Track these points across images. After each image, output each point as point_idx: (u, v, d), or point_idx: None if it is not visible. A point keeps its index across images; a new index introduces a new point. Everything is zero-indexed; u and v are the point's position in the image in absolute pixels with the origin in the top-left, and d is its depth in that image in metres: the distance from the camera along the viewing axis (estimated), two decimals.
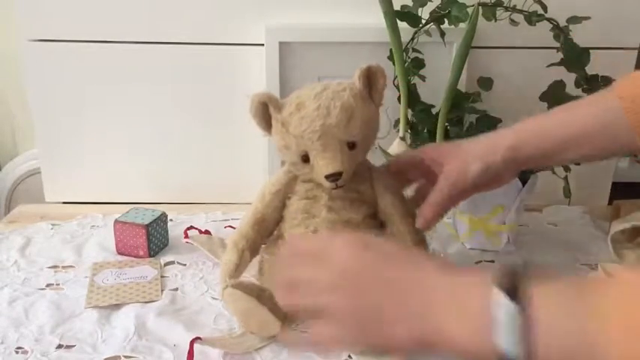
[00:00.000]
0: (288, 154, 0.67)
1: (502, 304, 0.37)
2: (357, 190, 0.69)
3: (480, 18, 0.84)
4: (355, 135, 0.65)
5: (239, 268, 0.70)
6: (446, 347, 0.41)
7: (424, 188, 0.72)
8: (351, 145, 0.65)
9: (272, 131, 0.68)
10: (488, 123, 0.87)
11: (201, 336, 0.64)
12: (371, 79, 0.66)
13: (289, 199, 0.70)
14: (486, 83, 0.91)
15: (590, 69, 0.84)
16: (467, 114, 0.90)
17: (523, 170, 0.83)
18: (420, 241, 0.71)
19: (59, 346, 0.64)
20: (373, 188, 0.70)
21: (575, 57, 0.83)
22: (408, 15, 0.89)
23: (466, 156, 0.66)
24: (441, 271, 0.44)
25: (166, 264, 0.82)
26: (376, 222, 0.71)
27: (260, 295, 0.64)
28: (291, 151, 0.66)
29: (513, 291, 0.37)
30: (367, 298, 0.44)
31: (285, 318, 0.66)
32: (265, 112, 0.67)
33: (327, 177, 0.64)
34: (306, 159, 0.66)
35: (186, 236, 0.88)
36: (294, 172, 0.70)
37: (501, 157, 0.64)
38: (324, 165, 0.64)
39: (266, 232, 0.72)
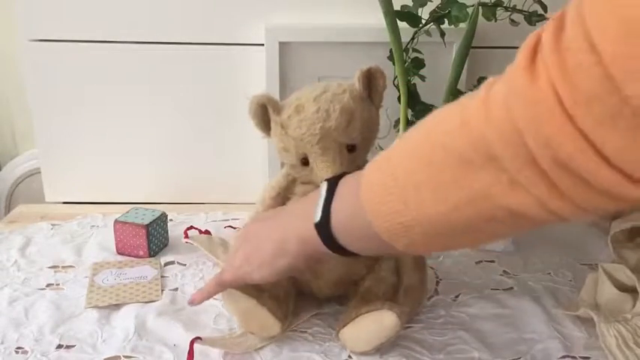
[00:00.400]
0: (287, 157, 0.67)
1: (322, 188, 0.52)
2: None
3: (480, 18, 0.84)
4: (355, 138, 0.65)
5: None
6: (303, 248, 0.55)
7: None
8: (351, 148, 0.65)
9: (271, 133, 0.68)
10: None
11: (201, 336, 0.64)
12: (371, 80, 0.66)
13: (288, 199, 0.70)
14: None
15: None
16: None
17: None
18: None
19: (59, 346, 0.65)
20: None
21: None
22: (408, 15, 0.88)
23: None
24: (297, 201, 0.60)
25: (166, 264, 0.82)
26: None
27: (260, 295, 0.64)
28: (290, 154, 0.66)
29: (335, 183, 0.52)
30: (252, 241, 0.60)
31: (285, 318, 0.66)
32: (264, 114, 0.67)
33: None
34: (305, 162, 0.66)
35: (186, 236, 0.88)
36: (294, 175, 0.70)
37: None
38: (323, 168, 0.64)
39: None
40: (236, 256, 0.60)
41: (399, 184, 0.44)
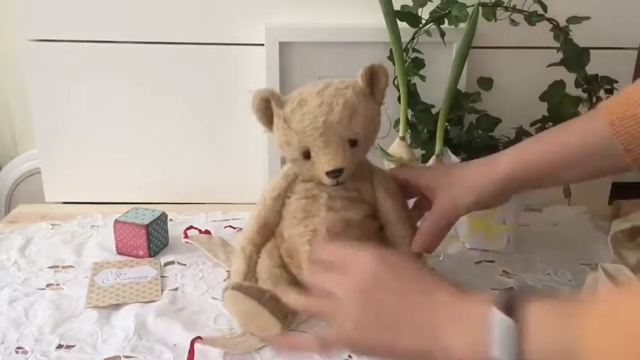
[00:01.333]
0: (289, 151, 0.67)
1: (499, 320, 0.41)
2: (357, 189, 0.69)
3: (480, 18, 0.83)
4: (357, 132, 0.65)
5: (247, 276, 0.71)
6: (446, 358, 0.45)
7: (421, 202, 0.73)
8: (353, 143, 0.65)
9: (273, 127, 0.68)
10: (488, 123, 0.87)
11: (201, 336, 0.64)
12: (373, 77, 0.67)
13: (288, 198, 0.71)
14: (486, 83, 0.91)
15: (590, 69, 0.84)
16: (467, 114, 0.90)
17: None
18: None
19: (59, 346, 0.65)
20: (373, 189, 0.70)
21: (575, 57, 0.83)
22: (408, 15, 0.89)
23: (458, 188, 0.67)
24: (447, 291, 0.48)
25: (166, 264, 0.82)
26: (376, 223, 0.71)
27: (261, 296, 0.64)
28: (292, 148, 0.66)
29: (509, 309, 0.41)
30: (378, 307, 0.48)
31: (286, 319, 0.66)
32: (267, 109, 0.67)
33: (328, 173, 0.64)
34: (307, 155, 0.66)
35: (186, 236, 0.88)
36: (294, 170, 0.70)
37: (494, 188, 0.65)
38: (325, 161, 0.64)
39: (270, 234, 0.73)
40: (349, 317, 0.49)
41: None
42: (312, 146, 0.65)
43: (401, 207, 0.71)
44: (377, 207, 0.71)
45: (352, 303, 0.49)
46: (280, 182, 0.71)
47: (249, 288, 0.64)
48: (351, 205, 0.69)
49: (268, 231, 0.73)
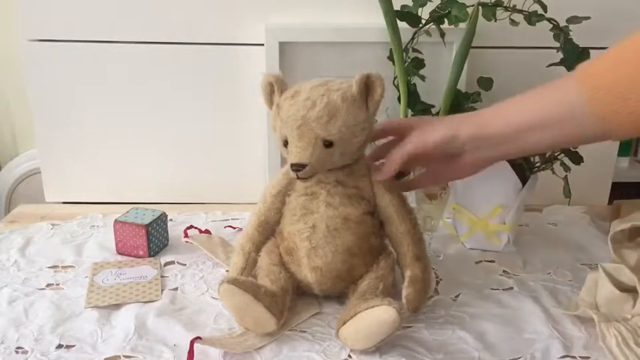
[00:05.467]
0: (275, 136, 0.70)
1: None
2: (356, 186, 0.70)
3: (480, 18, 0.83)
4: (333, 135, 0.65)
5: (245, 271, 0.72)
6: None
7: (389, 145, 0.73)
8: (328, 144, 0.66)
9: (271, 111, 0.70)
10: None
11: (201, 335, 0.64)
12: (369, 87, 0.66)
13: (289, 196, 0.71)
14: (486, 83, 0.91)
15: None
16: None
17: (522, 170, 0.84)
18: (418, 241, 0.71)
19: (59, 346, 0.64)
20: (372, 185, 0.71)
21: (575, 57, 0.83)
22: (408, 15, 0.89)
23: (433, 124, 0.68)
24: None
25: (166, 264, 0.82)
26: (375, 220, 0.71)
27: (256, 291, 0.64)
28: (276, 134, 0.69)
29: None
30: None
31: (281, 314, 0.66)
32: (272, 92, 0.70)
33: (292, 165, 0.65)
34: (286, 144, 0.67)
35: (186, 236, 0.88)
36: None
37: (464, 132, 0.65)
38: (293, 153, 0.66)
39: (270, 232, 0.74)
40: None
41: None
42: (288, 136, 0.66)
43: (399, 202, 0.71)
44: (376, 203, 0.71)
45: None
46: (281, 180, 0.72)
47: (244, 282, 0.65)
48: (349, 202, 0.69)
49: (268, 229, 0.73)
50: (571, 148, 0.84)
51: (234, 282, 0.64)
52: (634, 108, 0.53)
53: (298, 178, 0.66)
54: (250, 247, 0.73)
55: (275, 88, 0.69)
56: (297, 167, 0.65)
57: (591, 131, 0.59)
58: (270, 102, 0.70)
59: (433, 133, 0.66)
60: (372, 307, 0.62)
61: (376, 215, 0.71)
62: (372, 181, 0.71)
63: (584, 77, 0.59)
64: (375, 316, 0.62)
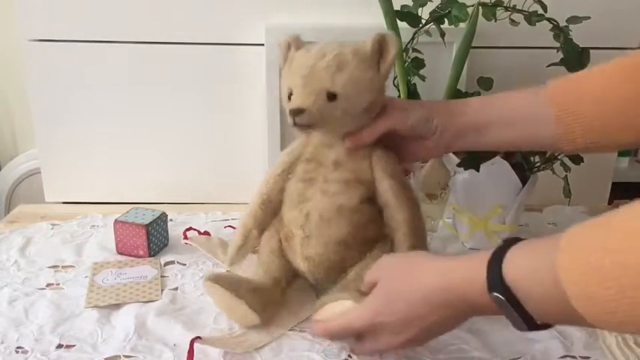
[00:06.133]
0: (281, 91, 0.69)
1: (498, 300, 0.47)
2: (354, 169, 0.68)
3: (480, 18, 0.83)
4: (337, 88, 0.64)
5: (242, 250, 0.72)
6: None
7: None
8: (331, 96, 0.64)
9: None
10: None
11: (201, 335, 0.64)
12: (382, 47, 0.66)
13: (289, 180, 0.71)
14: (486, 83, 0.91)
15: None
16: None
17: (522, 170, 0.84)
18: (416, 230, 0.69)
19: (59, 346, 0.64)
20: (372, 170, 0.69)
21: (575, 57, 0.83)
22: (408, 15, 0.88)
23: (412, 105, 0.71)
24: (445, 286, 0.52)
25: (166, 264, 0.82)
26: (373, 207, 0.69)
27: (237, 288, 0.65)
28: (283, 87, 0.68)
29: (499, 278, 0.47)
30: (414, 338, 0.56)
31: (264, 311, 0.66)
32: (289, 49, 0.69)
33: (290, 111, 0.64)
34: (290, 97, 0.66)
35: (186, 238, 0.88)
36: (300, 150, 0.71)
37: (441, 117, 0.68)
38: (294, 98, 0.65)
39: (274, 211, 0.73)
40: (398, 339, 0.57)
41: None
42: (293, 86, 0.65)
43: (399, 188, 0.68)
44: (375, 188, 0.69)
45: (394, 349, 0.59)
46: (284, 159, 0.72)
47: (225, 279, 0.65)
48: (346, 189, 0.67)
49: (271, 207, 0.72)
50: None
51: (215, 280, 0.65)
52: None
53: (295, 124, 0.64)
54: (252, 224, 0.72)
55: (292, 46, 0.68)
56: (295, 111, 0.63)
57: (548, 140, 0.64)
58: (285, 59, 0.69)
59: (413, 112, 0.68)
60: (338, 299, 0.62)
61: (375, 202, 0.69)
62: (372, 165, 0.69)
63: (555, 92, 0.64)
64: (334, 308, 0.62)
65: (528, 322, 0.47)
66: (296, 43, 0.68)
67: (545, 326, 0.48)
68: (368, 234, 0.69)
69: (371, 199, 0.69)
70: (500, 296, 0.47)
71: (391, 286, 0.57)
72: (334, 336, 0.62)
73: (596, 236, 0.42)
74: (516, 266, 0.47)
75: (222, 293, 0.65)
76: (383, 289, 0.58)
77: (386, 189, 0.68)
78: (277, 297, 0.70)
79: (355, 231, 0.68)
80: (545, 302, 0.45)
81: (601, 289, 0.39)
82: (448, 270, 0.53)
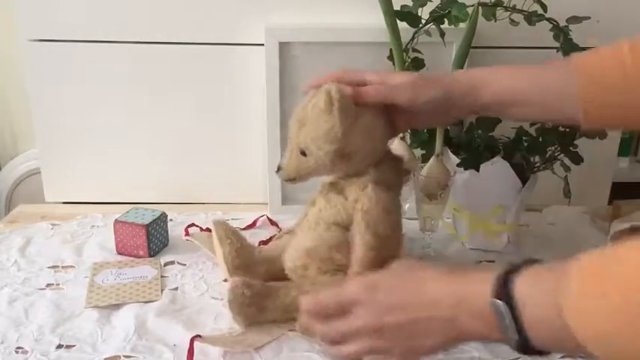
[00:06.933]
0: None
1: (496, 306, 0.47)
2: (345, 196, 0.69)
3: (480, 18, 0.84)
4: (302, 143, 0.66)
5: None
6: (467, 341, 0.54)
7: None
8: (302, 152, 0.66)
9: None
10: (488, 123, 0.87)
11: (200, 334, 0.64)
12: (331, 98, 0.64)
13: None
14: None
15: None
16: None
17: (522, 171, 0.84)
18: (370, 267, 0.65)
19: (59, 346, 0.65)
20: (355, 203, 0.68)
21: None
22: (408, 15, 0.88)
23: (425, 82, 0.66)
24: (444, 284, 0.51)
25: (166, 264, 0.82)
26: (344, 236, 0.69)
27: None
28: None
29: (505, 286, 0.47)
30: (395, 329, 0.52)
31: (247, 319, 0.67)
32: None
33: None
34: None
35: (187, 234, 0.88)
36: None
37: (459, 92, 0.65)
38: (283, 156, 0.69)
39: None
40: (375, 320, 0.53)
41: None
42: None
43: (365, 230, 0.66)
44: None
45: (372, 338, 0.53)
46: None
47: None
48: (328, 228, 0.69)
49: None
50: (571, 149, 0.84)
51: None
52: None
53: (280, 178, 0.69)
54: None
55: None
56: (276, 169, 0.69)
57: (570, 115, 0.63)
58: None
59: (425, 91, 0.65)
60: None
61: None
62: (355, 207, 0.67)
63: (583, 66, 0.64)
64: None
65: (522, 343, 0.46)
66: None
67: (539, 352, 0.47)
68: (333, 255, 0.68)
69: (346, 227, 0.68)
70: (501, 302, 0.46)
71: (396, 273, 0.56)
72: (322, 307, 0.56)
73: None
74: (523, 292, 0.47)
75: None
76: (386, 273, 0.56)
77: (355, 225, 0.67)
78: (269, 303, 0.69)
79: (321, 247, 0.68)
80: (547, 327, 0.45)
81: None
82: (455, 275, 0.52)
